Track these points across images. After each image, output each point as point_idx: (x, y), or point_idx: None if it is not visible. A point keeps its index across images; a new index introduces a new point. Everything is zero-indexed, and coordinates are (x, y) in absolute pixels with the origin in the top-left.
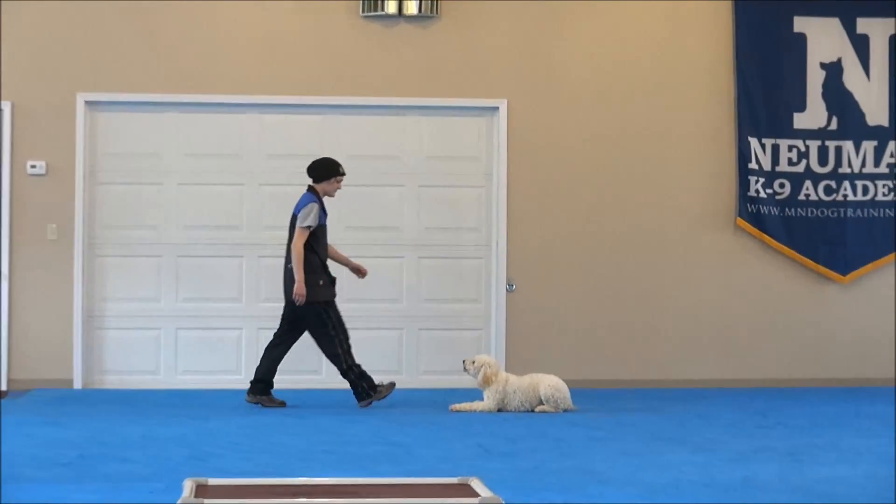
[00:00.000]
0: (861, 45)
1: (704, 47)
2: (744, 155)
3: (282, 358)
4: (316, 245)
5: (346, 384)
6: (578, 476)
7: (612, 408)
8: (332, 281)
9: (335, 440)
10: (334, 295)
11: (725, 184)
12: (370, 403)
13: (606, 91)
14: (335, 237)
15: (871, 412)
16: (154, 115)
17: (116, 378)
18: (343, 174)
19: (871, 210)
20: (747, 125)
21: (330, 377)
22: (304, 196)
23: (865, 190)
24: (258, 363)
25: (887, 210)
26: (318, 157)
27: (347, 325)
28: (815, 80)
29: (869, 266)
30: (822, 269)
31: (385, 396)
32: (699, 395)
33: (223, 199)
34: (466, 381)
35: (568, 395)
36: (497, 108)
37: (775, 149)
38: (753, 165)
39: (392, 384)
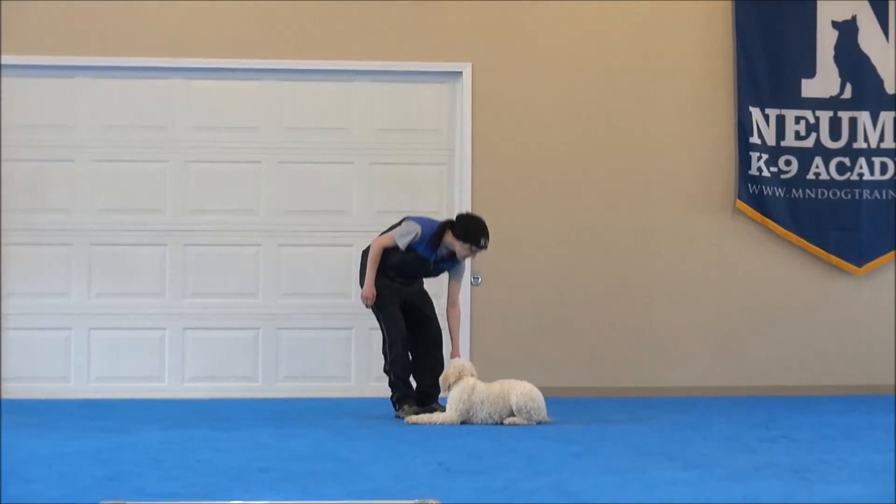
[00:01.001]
0: (879, 2)
1: (698, 4)
2: (744, 128)
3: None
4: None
5: (282, 392)
6: (553, 497)
7: (592, 419)
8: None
9: (273, 456)
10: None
11: (723, 161)
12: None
13: (586, 53)
14: (270, 221)
15: (887, 423)
16: (63, 81)
17: (19, 386)
18: (481, 247)
19: (891, 191)
20: (748, 93)
21: (267, 385)
22: (431, 222)
23: (884, 168)
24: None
25: None
26: (470, 215)
27: (285, 322)
28: (826, 41)
29: (887, 256)
30: (833, 258)
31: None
32: (692, 403)
33: (144, 178)
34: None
35: (542, 404)
36: (460, 73)
37: (780, 120)
38: (755, 140)
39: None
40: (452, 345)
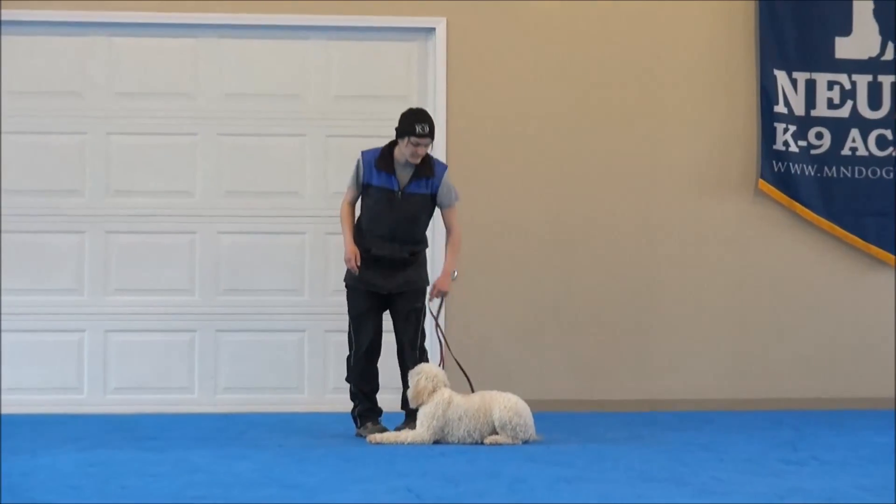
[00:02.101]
0: None
1: None
2: (768, 95)
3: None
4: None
5: (222, 406)
6: None
7: (587, 437)
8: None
9: (211, 482)
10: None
11: (743, 134)
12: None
13: (581, 9)
14: (208, 204)
15: None
16: None
17: None
18: (420, 136)
19: None
20: (772, 54)
21: (205, 397)
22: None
23: None
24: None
25: None
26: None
27: (226, 324)
28: None
29: None
30: (871, 248)
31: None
32: (704, 419)
33: (58, 154)
34: (390, 403)
35: (530, 420)
36: (433, 30)
37: (810, 86)
38: (781, 109)
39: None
40: (445, 264)
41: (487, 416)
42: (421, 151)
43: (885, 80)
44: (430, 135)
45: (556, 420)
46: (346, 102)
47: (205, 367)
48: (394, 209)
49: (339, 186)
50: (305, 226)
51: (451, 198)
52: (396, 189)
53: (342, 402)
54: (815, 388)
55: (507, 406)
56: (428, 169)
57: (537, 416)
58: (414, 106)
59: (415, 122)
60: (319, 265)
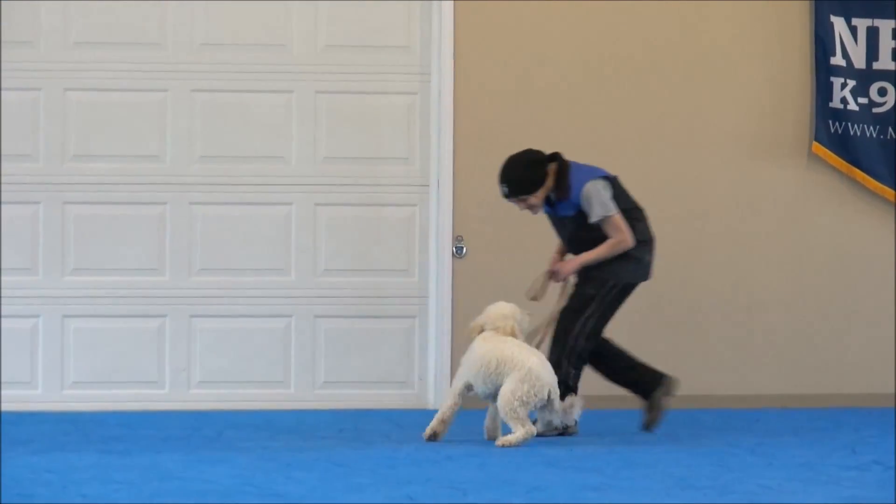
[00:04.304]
0: None
1: None
2: (823, 45)
3: None
4: None
5: (196, 402)
6: None
7: (617, 438)
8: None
9: (183, 490)
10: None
11: (794, 91)
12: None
13: None
14: (180, 171)
15: None
16: None
17: None
18: (506, 197)
19: None
20: None
21: (176, 392)
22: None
23: None
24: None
25: None
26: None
27: (201, 308)
28: None
29: None
30: None
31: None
32: (752, 418)
33: (6, 113)
34: (392, 399)
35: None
36: None
37: (873, 34)
38: (838, 61)
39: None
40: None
41: (498, 376)
42: (523, 208)
43: None
44: (515, 194)
45: (582, 418)
46: (337, 53)
47: (176, 357)
48: (561, 230)
49: (329, 151)
50: (292, 195)
51: (596, 212)
52: (552, 213)
53: (333, 397)
54: (878, 384)
55: (510, 389)
56: (563, 191)
57: None
58: (414, 49)
59: (499, 182)
60: (308, 241)
